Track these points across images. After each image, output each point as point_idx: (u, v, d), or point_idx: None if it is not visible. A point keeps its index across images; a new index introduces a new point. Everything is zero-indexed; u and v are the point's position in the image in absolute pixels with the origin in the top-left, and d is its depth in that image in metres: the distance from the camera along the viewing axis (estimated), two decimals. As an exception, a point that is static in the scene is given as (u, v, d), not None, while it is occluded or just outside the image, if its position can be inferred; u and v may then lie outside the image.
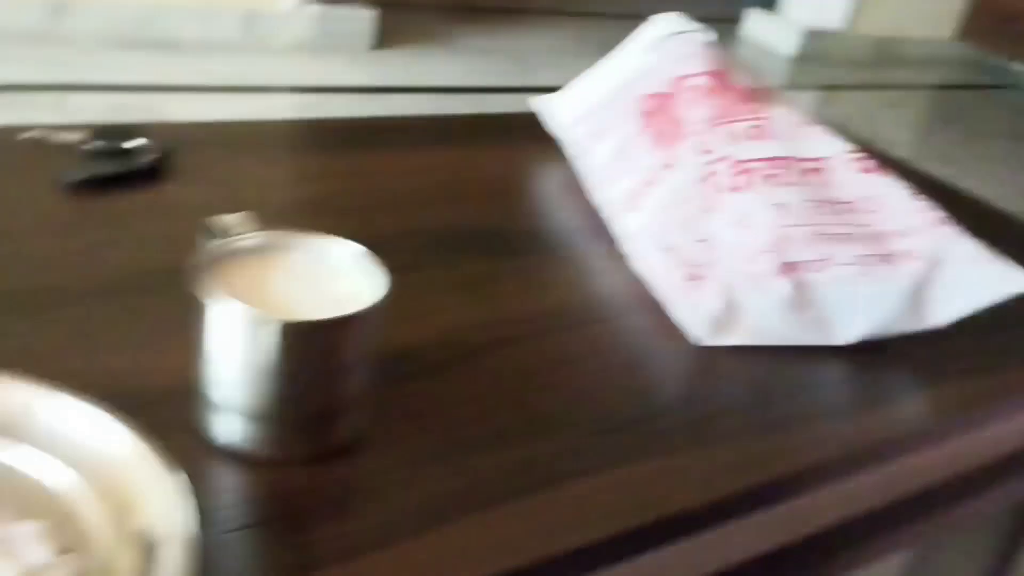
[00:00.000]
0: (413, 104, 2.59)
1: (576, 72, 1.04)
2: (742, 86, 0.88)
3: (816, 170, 0.79)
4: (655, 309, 0.73)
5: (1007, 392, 0.75)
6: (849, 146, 0.80)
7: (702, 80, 0.87)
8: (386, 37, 2.95)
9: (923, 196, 0.76)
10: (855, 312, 0.71)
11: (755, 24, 4.12)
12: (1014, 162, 3.24)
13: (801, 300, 0.70)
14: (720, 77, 0.88)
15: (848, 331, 0.72)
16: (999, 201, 2.76)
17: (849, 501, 0.72)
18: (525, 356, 0.65)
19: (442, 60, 2.97)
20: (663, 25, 1.02)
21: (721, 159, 0.78)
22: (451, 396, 0.60)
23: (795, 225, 0.72)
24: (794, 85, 3.70)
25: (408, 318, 0.65)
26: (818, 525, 0.72)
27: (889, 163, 1.22)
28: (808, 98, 3.67)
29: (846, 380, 0.72)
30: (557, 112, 1.03)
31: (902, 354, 0.74)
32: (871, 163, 0.79)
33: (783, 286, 0.69)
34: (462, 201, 0.88)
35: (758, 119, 0.82)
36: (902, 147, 3.23)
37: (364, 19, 2.88)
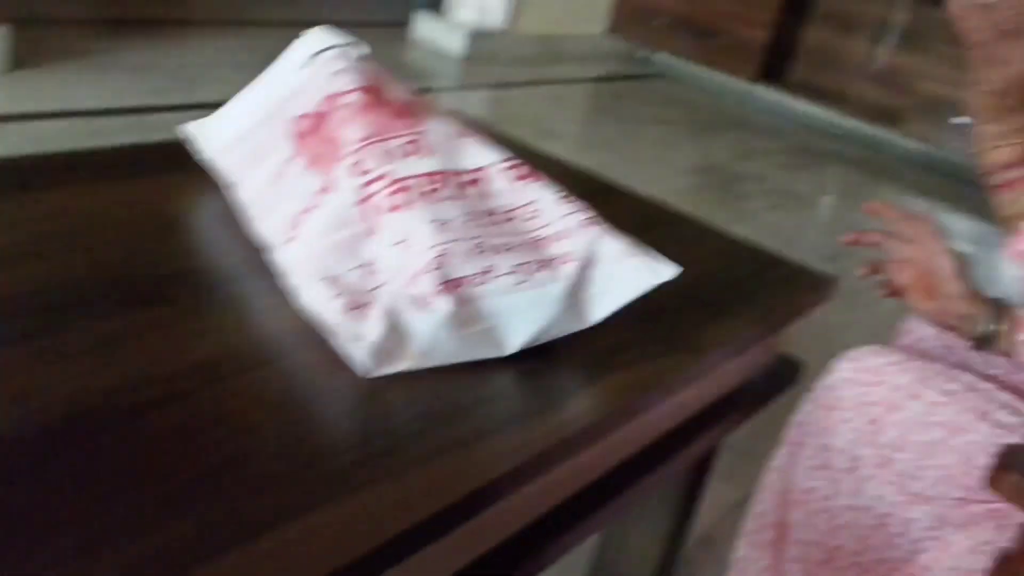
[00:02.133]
0: (60, 131, 2.34)
1: (243, 84, 0.97)
2: (397, 100, 0.86)
3: (474, 182, 0.80)
4: (320, 344, 0.70)
5: (664, 375, 0.81)
6: (504, 155, 0.82)
7: (355, 97, 0.85)
8: (22, 57, 2.64)
9: (573, 199, 0.79)
10: (519, 320, 0.73)
11: (424, 27, 4.21)
12: (663, 145, 3.59)
13: (466, 316, 0.71)
14: (374, 92, 0.86)
15: (514, 340, 0.73)
16: (652, 180, 3.01)
17: (535, 502, 0.74)
18: (171, 420, 0.59)
19: (91, 79, 2.71)
20: (314, 40, 0.98)
21: (378, 178, 0.76)
22: (74, 480, 0.52)
23: (455, 240, 0.73)
24: (466, 85, 3.83)
25: (23, 393, 0.56)
26: (512, 530, 0.73)
27: (551, 163, 1.29)
28: (480, 97, 3.81)
29: (518, 389, 0.73)
30: (207, 138, 0.95)
31: (568, 355, 0.77)
32: (525, 170, 0.81)
33: (446, 304, 0.69)
34: (101, 246, 0.79)
35: (414, 134, 0.81)
36: (569, 138, 3.45)
37: (-6, 37, 2.56)
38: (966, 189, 3.76)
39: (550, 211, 0.78)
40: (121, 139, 2.43)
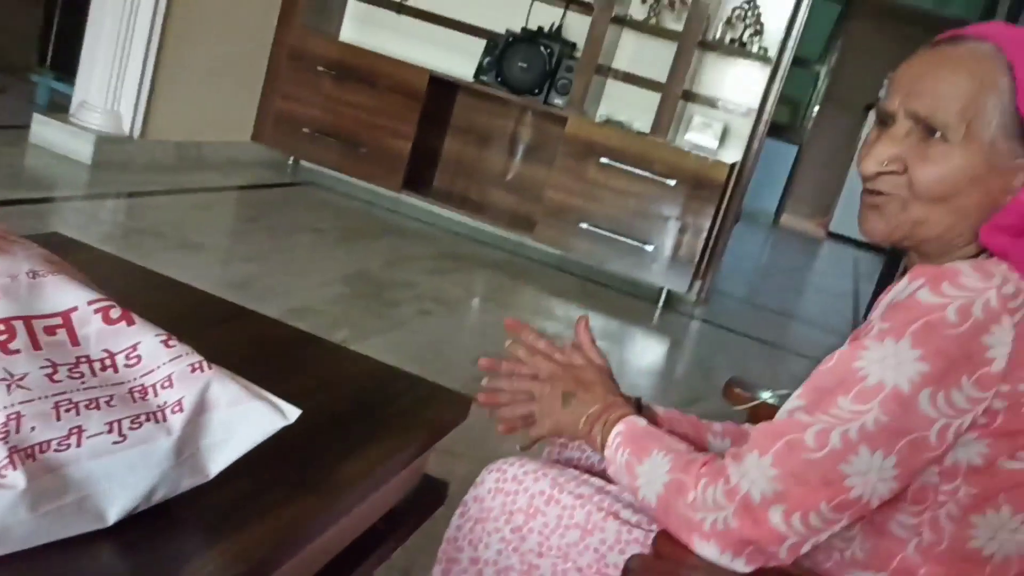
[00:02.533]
0: None
1: None
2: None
3: (58, 327, 0.69)
4: None
5: (298, 523, 0.74)
6: (93, 295, 0.72)
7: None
8: None
9: (175, 339, 0.71)
10: (120, 485, 0.63)
11: (46, 131, 3.83)
12: (313, 254, 3.55)
13: (49, 488, 0.60)
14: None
15: (115, 508, 0.63)
16: (303, 290, 2.95)
17: None
18: None
19: None
20: None
21: (-70, 329, 0.63)
22: None
23: (30, 400, 0.62)
24: (95, 194, 3.53)
25: None
26: None
27: (173, 287, 1.18)
28: (113, 206, 3.54)
29: (124, 565, 0.63)
30: None
31: (186, 516, 0.68)
32: (118, 312, 0.71)
33: (19, 478, 0.58)
34: None
35: (-20, 273, 0.69)
36: (214, 250, 3.30)
37: None
38: (593, 287, 4.14)
39: (153, 356, 0.69)
40: None
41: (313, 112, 4.33)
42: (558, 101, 4.06)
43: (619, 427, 0.97)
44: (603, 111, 4.27)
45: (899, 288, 0.84)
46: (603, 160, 3.90)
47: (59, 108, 4.08)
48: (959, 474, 0.82)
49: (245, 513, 0.72)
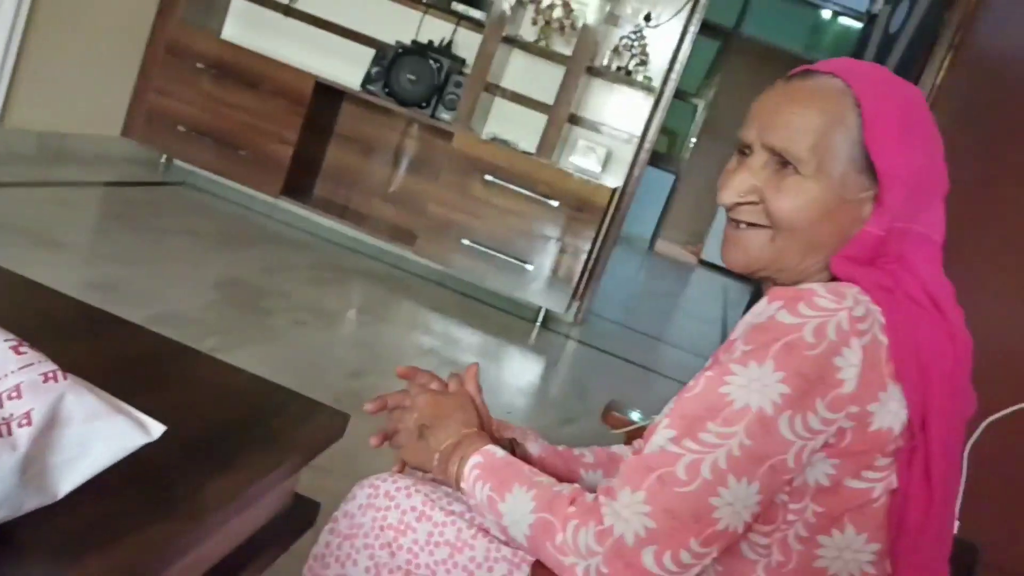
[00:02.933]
0: None
1: None
2: None
3: None
4: None
5: (158, 548, 0.69)
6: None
7: None
8: None
9: (28, 347, 0.65)
10: (-47, 505, 0.57)
11: None
12: (185, 258, 3.40)
13: None
14: None
15: (-54, 531, 0.57)
16: (173, 295, 2.82)
17: None
18: None
19: None
20: None
21: None
22: None
23: None
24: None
25: None
26: None
27: (29, 287, 1.10)
28: (-37, 197, 3.30)
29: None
30: None
31: (31, 539, 0.63)
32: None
33: None
34: None
35: None
36: (76, 249, 3.11)
37: None
38: (473, 304, 4.13)
39: (0, 364, 0.63)
40: None
41: (190, 110, 4.17)
42: (445, 116, 4.05)
43: (475, 459, 0.95)
44: (490, 129, 4.29)
45: (758, 309, 0.86)
46: (488, 177, 3.91)
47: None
48: (807, 494, 0.84)
49: (96, 538, 0.66)
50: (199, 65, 4.14)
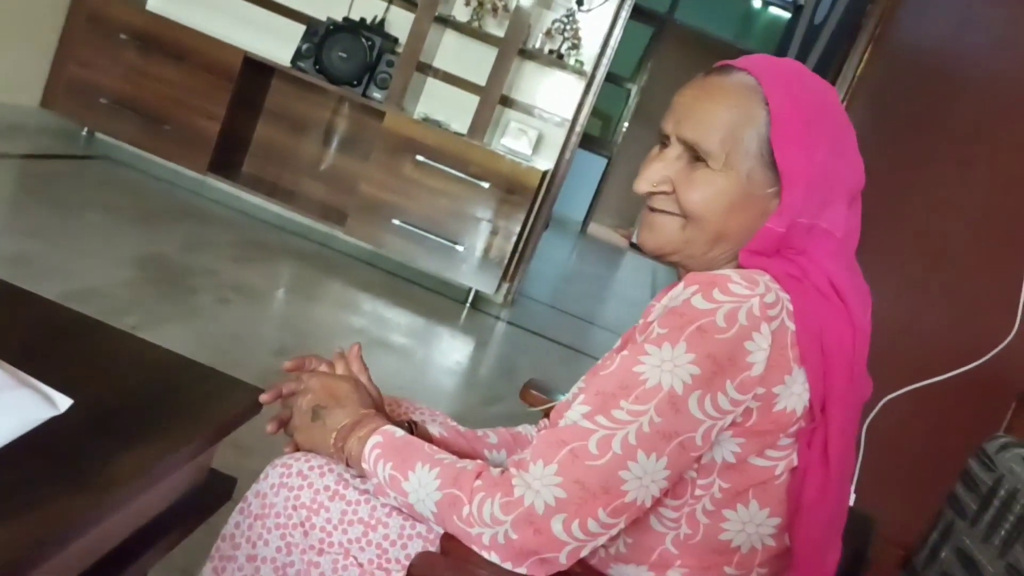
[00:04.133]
0: None
1: None
2: None
3: None
4: None
5: (65, 518, 0.69)
6: None
7: None
8: None
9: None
10: None
11: None
12: (104, 233, 3.32)
13: None
14: None
15: None
16: (91, 271, 2.75)
17: None
18: None
19: None
20: None
21: None
22: None
23: None
24: None
25: None
26: None
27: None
28: None
29: None
30: None
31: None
32: None
33: None
34: None
35: None
36: (-10, 221, 3.02)
37: None
38: (403, 284, 4.13)
39: (-99, 335, 0.63)
40: None
41: (112, 82, 4.06)
42: (377, 95, 4.03)
43: (375, 438, 0.96)
44: (422, 109, 4.27)
45: (675, 293, 0.89)
46: (419, 158, 3.90)
47: None
48: (714, 470, 0.88)
49: (5, 508, 0.67)
50: (123, 36, 4.02)
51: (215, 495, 1.04)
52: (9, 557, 0.64)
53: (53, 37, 4.23)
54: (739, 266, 0.94)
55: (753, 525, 0.91)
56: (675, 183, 0.94)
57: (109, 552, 0.86)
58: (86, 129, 4.31)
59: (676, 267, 1.01)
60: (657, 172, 0.96)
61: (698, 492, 0.89)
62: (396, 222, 3.96)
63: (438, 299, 4.11)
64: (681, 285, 0.90)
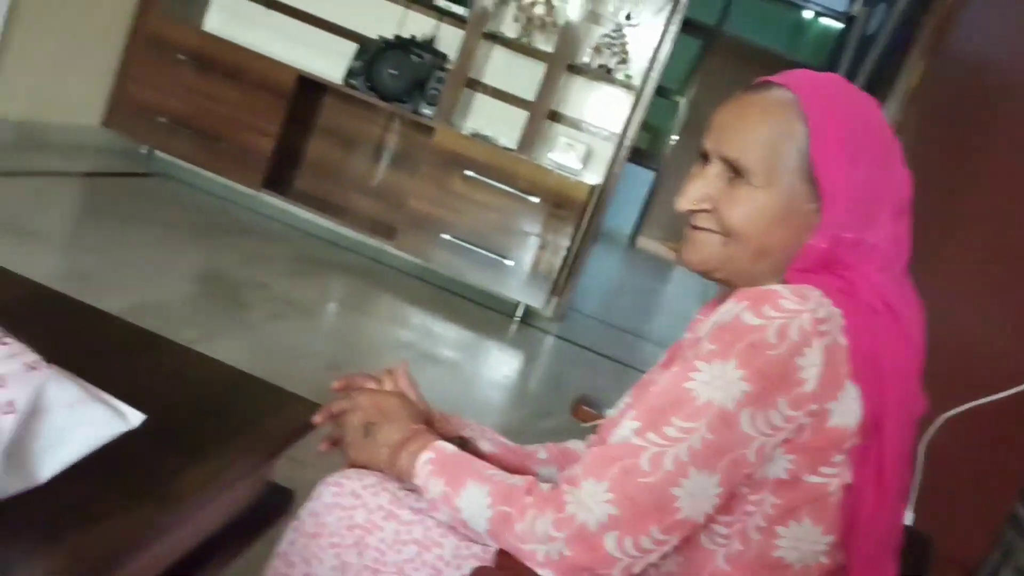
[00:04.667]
0: None
1: None
2: None
3: None
4: None
5: (133, 532, 0.72)
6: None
7: None
8: None
9: (11, 338, 0.68)
10: (-62, 488, 0.60)
11: None
12: (163, 249, 3.41)
13: None
14: None
15: (-69, 513, 0.60)
16: (150, 287, 2.83)
17: None
18: None
19: None
20: None
21: None
22: None
23: None
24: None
25: None
26: None
27: (6, 279, 1.12)
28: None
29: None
30: None
31: (13, 521, 0.65)
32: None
33: None
34: None
35: None
36: (52, 239, 3.11)
37: None
38: (452, 298, 4.16)
39: (-15, 353, 0.66)
40: None
41: (171, 102, 4.17)
42: (427, 111, 4.07)
43: (427, 454, 0.97)
44: (471, 124, 4.31)
45: (725, 309, 0.89)
46: (468, 173, 3.93)
47: None
48: (766, 487, 0.88)
49: (75, 521, 0.69)
50: (180, 56, 4.13)
51: (275, 508, 1.06)
52: (83, 567, 0.66)
53: (114, 59, 4.36)
54: (785, 280, 0.93)
55: (807, 543, 0.91)
56: (716, 200, 0.95)
57: (175, 563, 0.88)
58: (145, 147, 4.43)
59: (721, 283, 1.01)
60: (698, 190, 0.96)
61: (750, 508, 0.89)
62: (445, 237, 3.99)
63: (487, 313, 4.13)
64: (731, 301, 0.89)
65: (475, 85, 4.26)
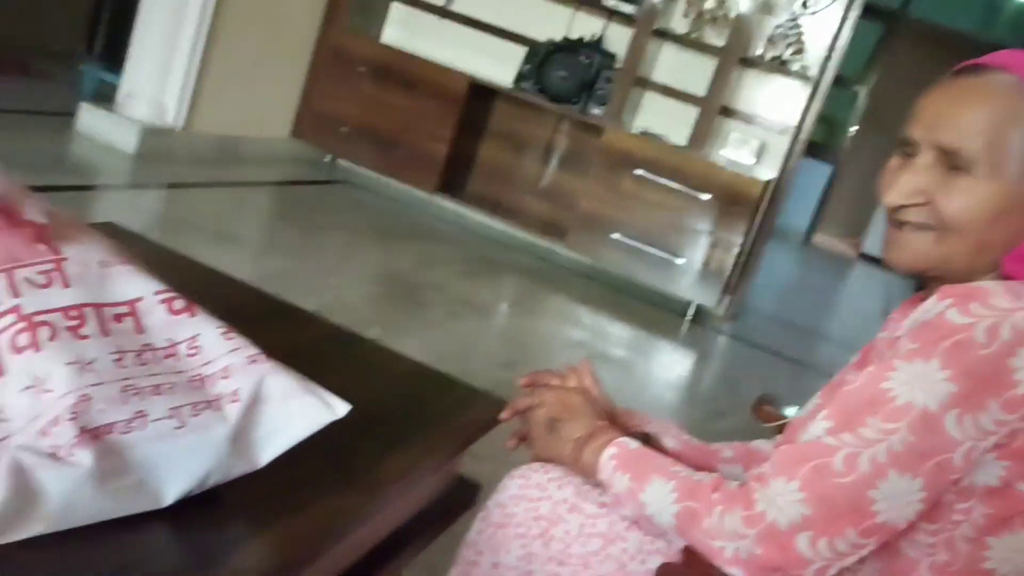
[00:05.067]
0: None
1: None
2: (34, 221, 0.77)
3: (125, 316, 0.72)
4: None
5: (339, 516, 0.77)
6: (159, 286, 0.76)
7: (-18, 215, 0.74)
8: None
9: (236, 333, 0.74)
10: (177, 468, 0.66)
11: (91, 120, 3.92)
12: (346, 252, 3.60)
13: (112, 468, 0.63)
14: (3, 213, 0.76)
15: (172, 490, 0.66)
16: (335, 287, 2.98)
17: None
18: None
19: None
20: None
21: (6, 313, 0.67)
22: None
23: (98, 384, 0.65)
24: (137, 184, 3.61)
25: None
26: None
27: (221, 280, 1.22)
28: (153, 197, 3.60)
29: (178, 545, 0.66)
30: None
31: (234, 501, 0.71)
32: (181, 303, 0.75)
33: (86, 456, 0.61)
34: None
35: (52, 261, 0.72)
36: (249, 244, 3.35)
37: None
38: (623, 298, 4.15)
39: (212, 347, 0.72)
40: None
41: (352, 112, 4.39)
42: (596, 111, 4.09)
43: (611, 450, 0.97)
44: (640, 123, 4.29)
45: (927, 307, 0.84)
46: (638, 172, 3.92)
47: (105, 98, 4.14)
48: (974, 494, 0.83)
49: (290, 503, 0.75)
50: (361, 69, 4.34)
51: (462, 500, 1.10)
52: (295, 548, 0.71)
53: (301, 74, 4.63)
54: (1001, 275, 0.87)
55: (1021, 554, 0.85)
56: (931, 193, 0.89)
57: (372, 549, 0.93)
58: (329, 156, 4.68)
59: (931, 282, 0.95)
60: (908, 183, 0.90)
61: (956, 517, 0.84)
62: (615, 236, 3.99)
63: (658, 313, 4.09)
64: (934, 298, 0.85)
65: (644, 83, 4.24)
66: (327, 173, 4.68)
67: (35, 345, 0.65)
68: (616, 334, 3.70)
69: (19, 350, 0.65)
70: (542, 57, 4.11)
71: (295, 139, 4.66)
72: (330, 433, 0.75)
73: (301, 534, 0.73)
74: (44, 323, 0.67)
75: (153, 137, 3.89)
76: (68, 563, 0.60)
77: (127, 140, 3.84)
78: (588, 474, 1.00)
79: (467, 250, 4.19)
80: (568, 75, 4.06)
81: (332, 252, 3.54)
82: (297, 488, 0.77)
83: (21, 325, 0.66)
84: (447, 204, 4.48)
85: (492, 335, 3.25)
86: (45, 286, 0.70)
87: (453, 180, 4.44)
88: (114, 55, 4.40)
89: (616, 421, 1.12)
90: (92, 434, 0.62)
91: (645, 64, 4.12)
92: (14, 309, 0.67)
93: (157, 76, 3.92)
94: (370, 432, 0.92)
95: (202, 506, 0.69)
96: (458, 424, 1.02)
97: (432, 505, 1.06)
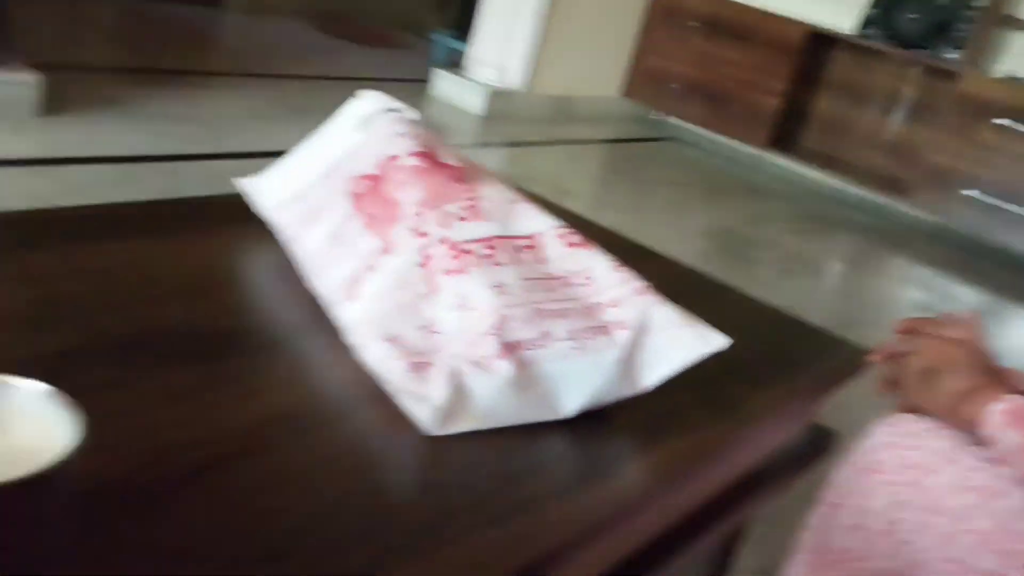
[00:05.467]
0: (92, 176, 2.38)
1: (270, 136, 1.00)
2: (452, 165, 0.89)
3: (529, 247, 0.82)
4: (383, 402, 0.71)
5: (711, 443, 0.82)
6: (557, 222, 0.84)
7: (412, 160, 0.87)
8: (55, 103, 2.69)
9: (624, 266, 0.81)
10: (575, 385, 0.74)
11: (443, 85, 4.29)
12: (675, 208, 3.63)
13: (524, 379, 0.72)
14: (429, 157, 0.88)
15: (570, 404, 0.74)
16: (665, 242, 3.03)
17: (588, 569, 0.75)
18: (248, 474, 0.60)
19: (122, 126, 2.76)
20: (369, 103, 1.01)
21: (437, 242, 0.78)
22: (167, 531, 0.53)
23: (514, 305, 0.74)
24: (484, 142, 3.89)
25: (108, 446, 0.57)
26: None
27: (594, 230, 1.31)
28: (498, 154, 3.87)
29: (573, 453, 0.74)
30: (264, 194, 0.98)
31: (620, 420, 0.78)
32: (577, 238, 0.83)
33: (507, 367, 0.70)
34: (162, 301, 0.81)
35: (470, 199, 0.83)
36: (584, 198, 3.50)
37: (26, 83, 2.61)
38: (973, 259, 3.79)
39: (603, 278, 0.79)
40: (149, 186, 2.45)
41: (681, 68, 4.38)
42: (950, 55, 3.73)
43: (999, 405, 0.91)
44: (1004, 67, 3.85)
45: None
46: (998, 121, 3.53)
47: (454, 64, 4.50)
48: None
49: (670, 426, 0.80)
50: (691, 23, 4.32)
51: (819, 447, 1.10)
52: (677, 467, 0.77)
53: (632, 33, 4.70)
54: None
55: None
56: None
57: (728, 488, 0.97)
58: (658, 113, 4.72)
59: None
60: None
61: None
62: (967, 192, 3.64)
63: (1015, 276, 3.69)
64: None
65: (1010, 22, 3.79)
66: (656, 130, 4.73)
67: (462, 270, 0.76)
68: (964, 298, 3.40)
69: (450, 273, 0.76)
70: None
71: (625, 98, 4.75)
72: (697, 370, 0.79)
73: (680, 454, 0.78)
74: (467, 251, 0.77)
75: (498, 99, 4.17)
76: (490, 459, 0.69)
77: (475, 102, 4.16)
78: (966, 428, 0.96)
79: (799, 206, 4.04)
80: (920, 17, 3.75)
81: (662, 208, 3.59)
82: (673, 414, 0.82)
83: (452, 253, 0.77)
84: (778, 160, 4.35)
85: (827, 294, 3.14)
86: (465, 219, 0.80)
87: (785, 135, 4.30)
88: (462, 25, 4.75)
89: (1001, 380, 1.06)
90: (510, 348, 0.72)
91: (1012, 0, 3.69)
92: (445, 239, 0.78)
93: (501, 42, 4.19)
94: (735, 372, 0.95)
95: (592, 421, 0.77)
96: (820, 370, 1.02)
97: (790, 450, 1.08)
